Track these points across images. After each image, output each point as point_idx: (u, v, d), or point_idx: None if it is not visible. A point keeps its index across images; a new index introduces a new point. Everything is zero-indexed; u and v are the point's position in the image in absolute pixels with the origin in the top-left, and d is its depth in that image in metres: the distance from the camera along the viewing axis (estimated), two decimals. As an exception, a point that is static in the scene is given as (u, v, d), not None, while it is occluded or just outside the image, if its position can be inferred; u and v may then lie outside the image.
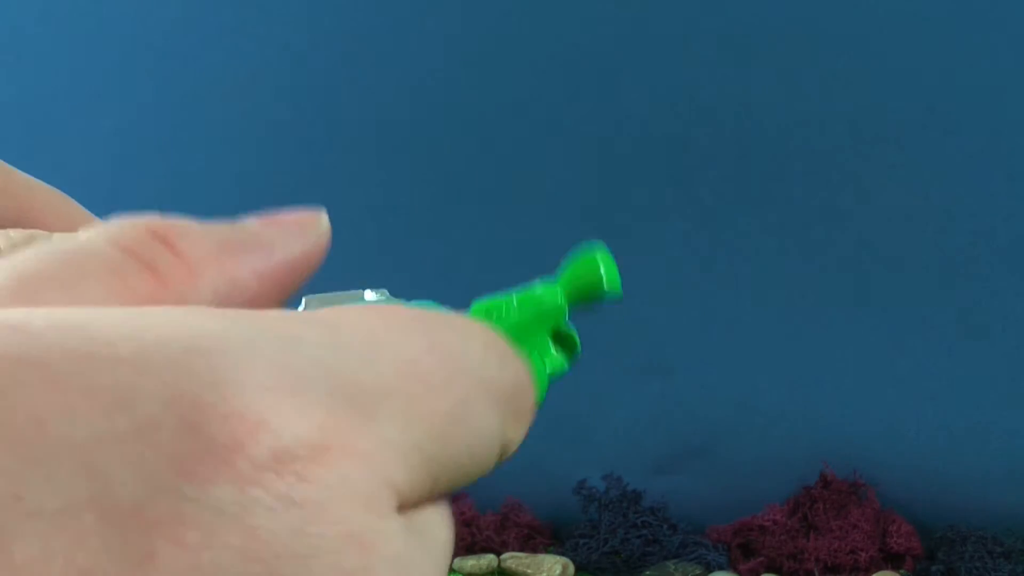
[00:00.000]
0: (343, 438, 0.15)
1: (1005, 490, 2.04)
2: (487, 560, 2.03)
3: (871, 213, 2.14)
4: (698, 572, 1.98)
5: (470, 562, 2.02)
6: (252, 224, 0.20)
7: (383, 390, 0.16)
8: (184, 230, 0.19)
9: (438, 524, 0.18)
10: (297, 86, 2.28)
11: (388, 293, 0.32)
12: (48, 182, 0.30)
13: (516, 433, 0.20)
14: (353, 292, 0.32)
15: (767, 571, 1.98)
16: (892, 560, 2.00)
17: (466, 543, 2.06)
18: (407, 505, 0.17)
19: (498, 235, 2.24)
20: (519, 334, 0.30)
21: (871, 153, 2.14)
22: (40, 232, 0.26)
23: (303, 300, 0.32)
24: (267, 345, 0.15)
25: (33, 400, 0.14)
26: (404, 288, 0.33)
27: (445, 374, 0.18)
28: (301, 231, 0.21)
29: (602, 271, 0.31)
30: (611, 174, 2.22)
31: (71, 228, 0.28)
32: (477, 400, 0.18)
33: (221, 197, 2.18)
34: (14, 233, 0.26)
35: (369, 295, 0.32)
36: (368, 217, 2.21)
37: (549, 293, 0.31)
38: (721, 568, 1.99)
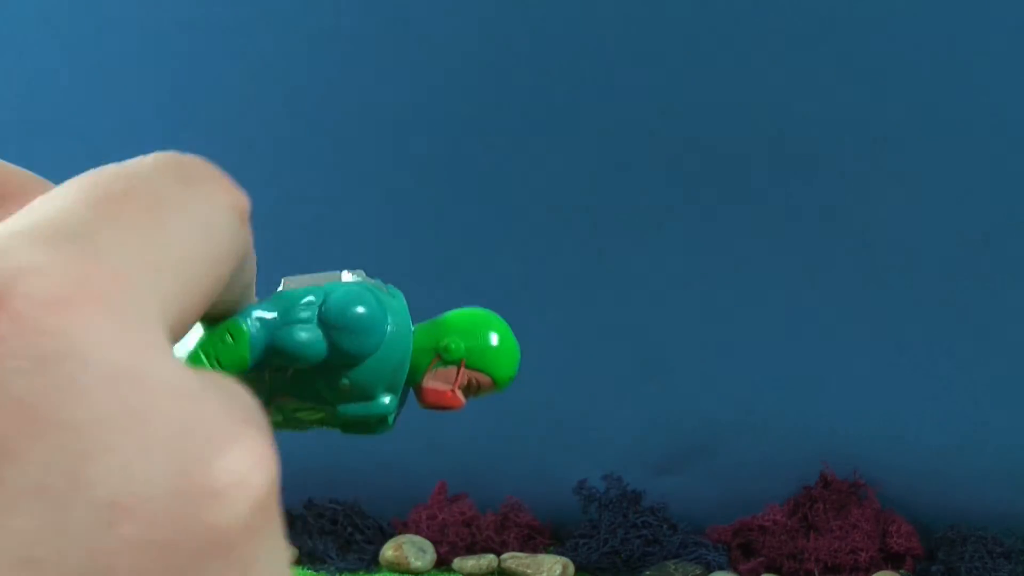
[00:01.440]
0: (73, 285, 0.15)
1: (1005, 490, 2.04)
2: (487, 560, 2.03)
3: (871, 213, 2.14)
4: (698, 572, 1.98)
5: (470, 562, 2.02)
6: None
7: (87, 222, 0.16)
8: None
9: (233, 384, 0.17)
10: (297, 85, 2.29)
11: (364, 274, 0.32)
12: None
13: (227, 196, 0.19)
14: (330, 273, 0.32)
15: (767, 571, 1.98)
16: (892, 560, 2.00)
17: (466, 543, 2.06)
18: (179, 324, 0.17)
19: (498, 235, 2.24)
20: None
21: (871, 153, 2.14)
22: None
23: (282, 281, 0.32)
24: None
25: None
26: (404, 286, 0.33)
27: (125, 184, 0.17)
28: None
29: None
30: (611, 174, 2.22)
31: None
32: (169, 191, 0.18)
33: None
34: None
35: (346, 276, 0.32)
36: (368, 217, 2.21)
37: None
38: (721, 568, 1.99)
